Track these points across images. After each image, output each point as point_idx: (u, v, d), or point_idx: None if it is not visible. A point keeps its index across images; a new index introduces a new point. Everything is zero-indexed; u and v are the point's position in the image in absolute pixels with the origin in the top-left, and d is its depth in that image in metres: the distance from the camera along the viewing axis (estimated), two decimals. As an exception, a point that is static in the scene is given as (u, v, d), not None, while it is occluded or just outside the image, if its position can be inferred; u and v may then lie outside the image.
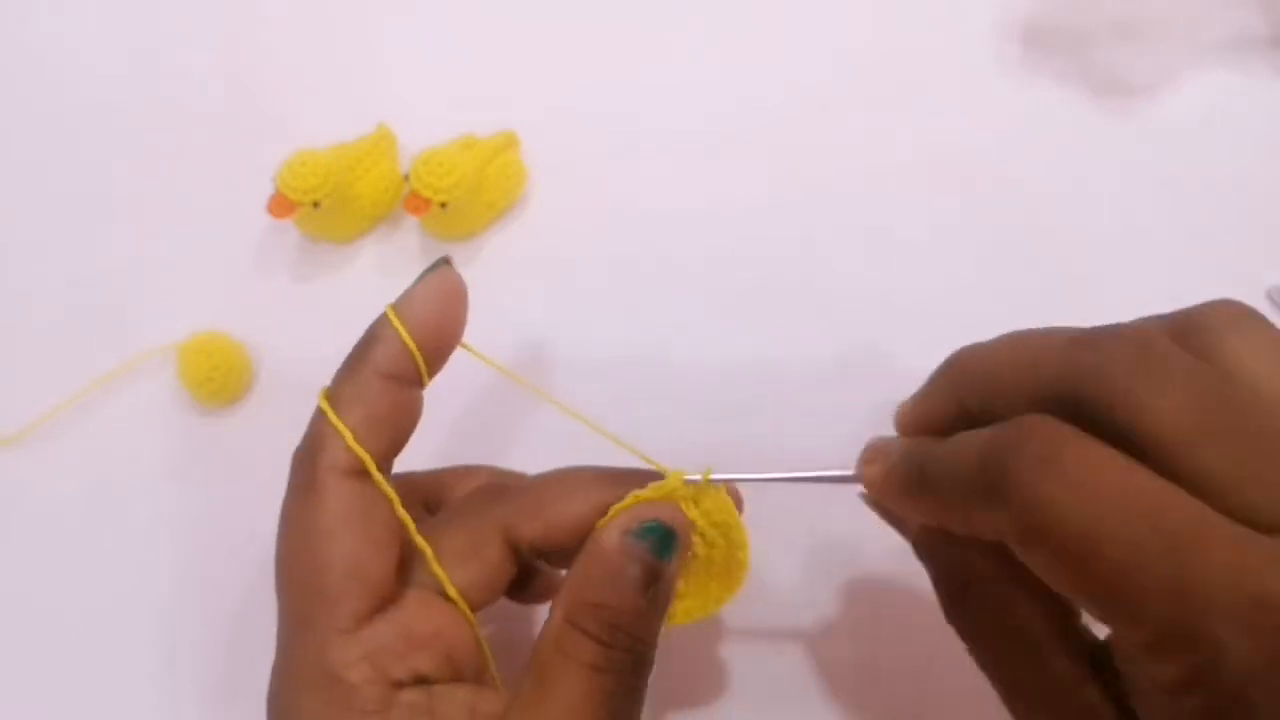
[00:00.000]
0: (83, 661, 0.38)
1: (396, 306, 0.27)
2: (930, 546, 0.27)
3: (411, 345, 0.27)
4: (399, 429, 0.27)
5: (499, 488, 0.30)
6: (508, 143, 0.45)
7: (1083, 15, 0.48)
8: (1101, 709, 0.23)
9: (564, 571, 0.27)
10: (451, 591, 0.27)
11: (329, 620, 0.25)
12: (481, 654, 0.28)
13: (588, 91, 0.48)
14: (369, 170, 0.43)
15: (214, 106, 0.49)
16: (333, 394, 0.27)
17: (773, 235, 0.43)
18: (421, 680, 0.26)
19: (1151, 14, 0.47)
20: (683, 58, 0.49)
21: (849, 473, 0.29)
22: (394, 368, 0.27)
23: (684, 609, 0.29)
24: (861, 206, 0.44)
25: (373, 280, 0.44)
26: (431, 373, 0.28)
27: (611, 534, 0.26)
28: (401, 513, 0.27)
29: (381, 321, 0.27)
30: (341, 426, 0.26)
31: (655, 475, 0.28)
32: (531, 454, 0.31)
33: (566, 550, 0.27)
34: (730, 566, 0.29)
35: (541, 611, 0.29)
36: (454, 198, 0.40)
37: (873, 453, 0.28)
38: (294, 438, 0.28)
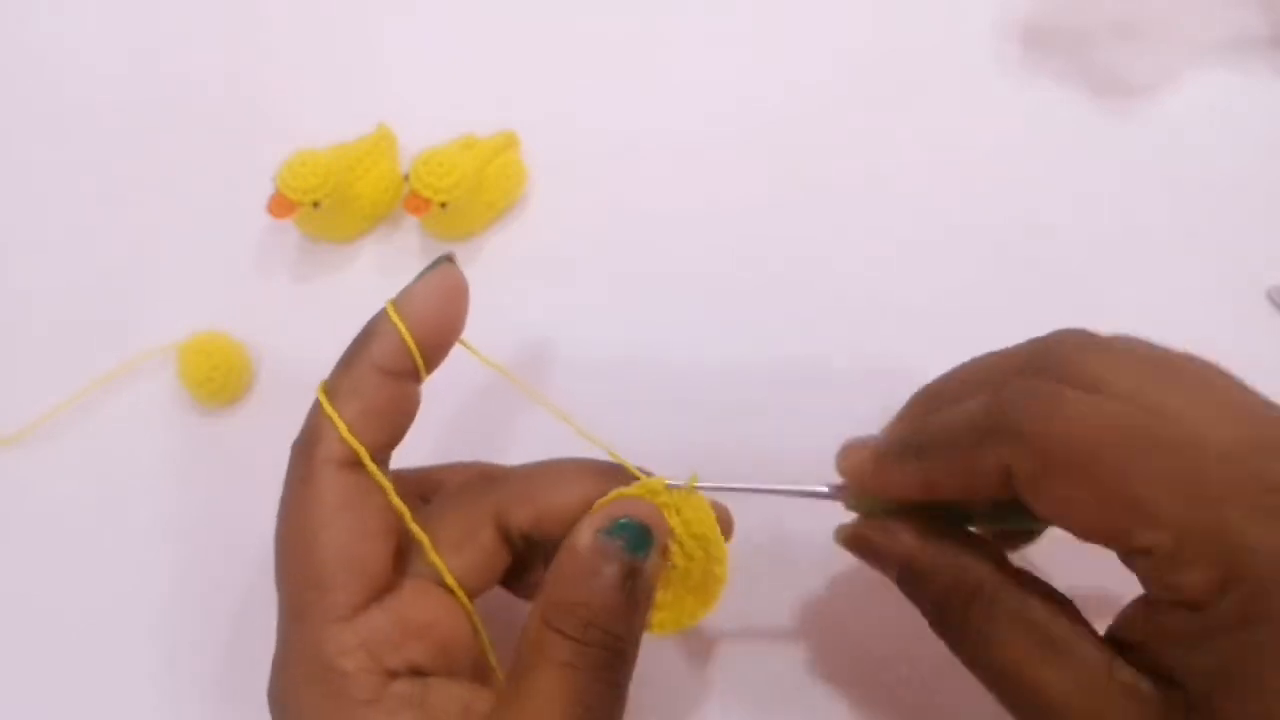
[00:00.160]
0: (83, 661, 0.38)
1: (396, 302, 0.28)
2: (923, 571, 0.27)
3: (409, 340, 0.27)
4: (395, 422, 0.28)
5: (492, 475, 0.30)
6: (508, 143, 0.45)
7: (1083, 15, 0.48)
8: (1138, 684, 0.24)
9: None
10: (449, 580, 0.27)
11: (324, 609, 0.26)
12: (479, 645, 0.28)
13: (588, 92, 0.48)
14: (369, 170, 0.43)
15: (214, 106, 0.49)
16: (330, 387, 0.27)
17: (773, 235, 0.43)
18: (416, 671, 0.26)
19: (1151, 14, 0.47)
20: (683, 58, 0.49)
21: (836, 489, 0.29)
22: (391, 362, 0.27)
23: (659, 620, 0.28)
24: (861, 206, 0.44)
25: (373, 280, 0.44)
26: (429, 368, 0.28)
27: (584, 532, 0.26)
28: (396, 502, 0.27)
29: (380, 316, 0.27)
30: (336, 418, 0.26)
31: (647, 473, 0.28)
32: (528, 453, 0.31)
33: (556, 539, 0.27)
34: (707, 581, 0.28)
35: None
36: (454, 198, 0.40)
37: (850, 447, 0.29)
38: (294, 437, 0.28)
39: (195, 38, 0.52)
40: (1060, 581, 0.27)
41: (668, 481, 0.28)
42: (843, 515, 0.30)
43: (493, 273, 0.43)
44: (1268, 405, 0.24)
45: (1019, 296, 0.41)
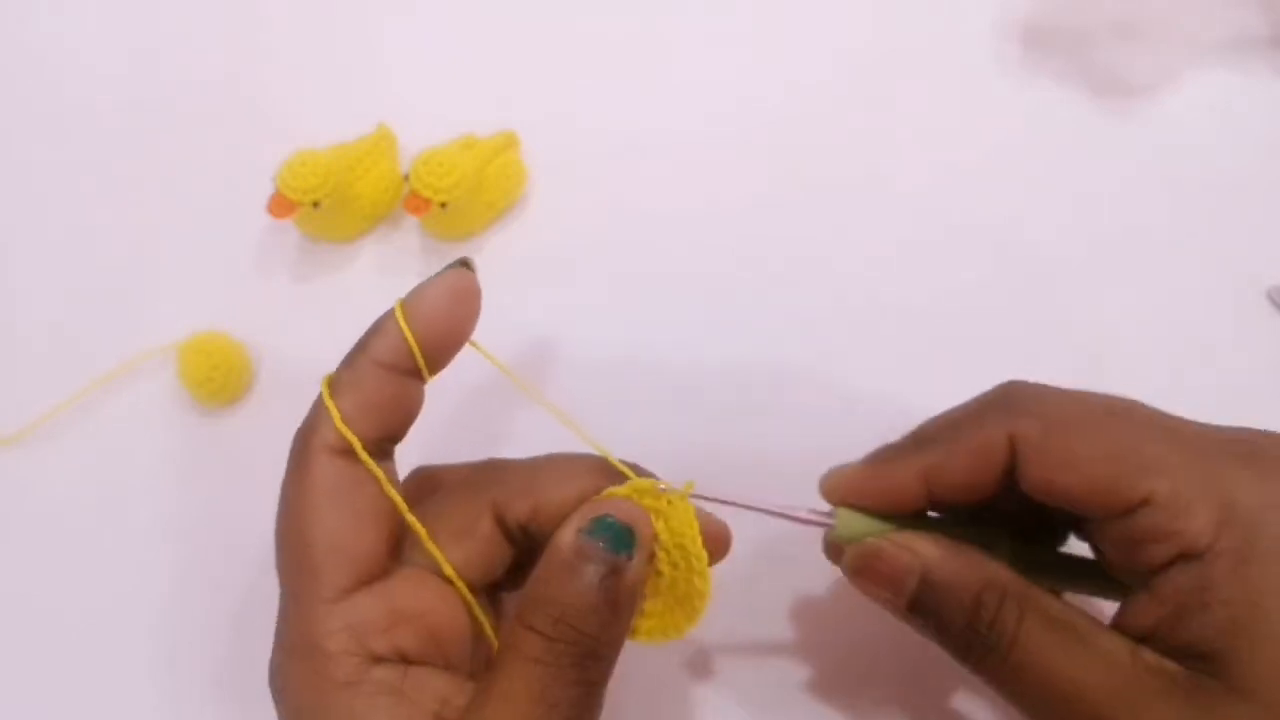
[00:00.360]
0: (83, 661, 0.38)
1: (406, 301, 0.28)
2: (945, 581, 0.27)
3: (410, 339, 0.27)
4: (393, 417, 0.28)
5: (492, 467, 0.30)
6: (508, 143, 0.45)
7: (1083, 15, 0.48)
8: (1163, 664, 0.24)
9: None
10: (446, 568, 0.28)
11: (313, 590, 0.26)
12: (476, 641, 0.28)
13: (588, 92, 0.48)
14: (369, 170, 0.43)
15: (214, 106, 0.49)
16: (333, 379, 0.28)
17: (773, 235, 0.43)
18: (403, 658, 0.26)
19: (1151, 14, 0.47)
20: (682, 58, 0.49)
21: (820, 515, 0.29)
22: (392, 359, 0.27)
23: (646, 629, 0.28)
24: (861, 206, 0.44)
25: (373, 280, 0.44)
26: (435, 368, 0.28)
27: (567, 530, 0.26)
28: (390, 491, 0.27)
29: (388, 314, 0.28)
30: (333, 408, 0.27)
31: (646, 474, 0.28)
32: (525, 452, 0.31)
33: (550, 535, 0.27)
34: (689, 594, 0.28)
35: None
36: (454, 198, 0.40)
37: (835, 468, 0.29)
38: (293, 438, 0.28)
39: (195, 38, 0.52)
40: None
41: (659, 485, 0.28)
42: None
43: (493, 273, 0.42)
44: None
45: (1019, 296, 0.41)
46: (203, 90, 0.50)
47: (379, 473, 0.27)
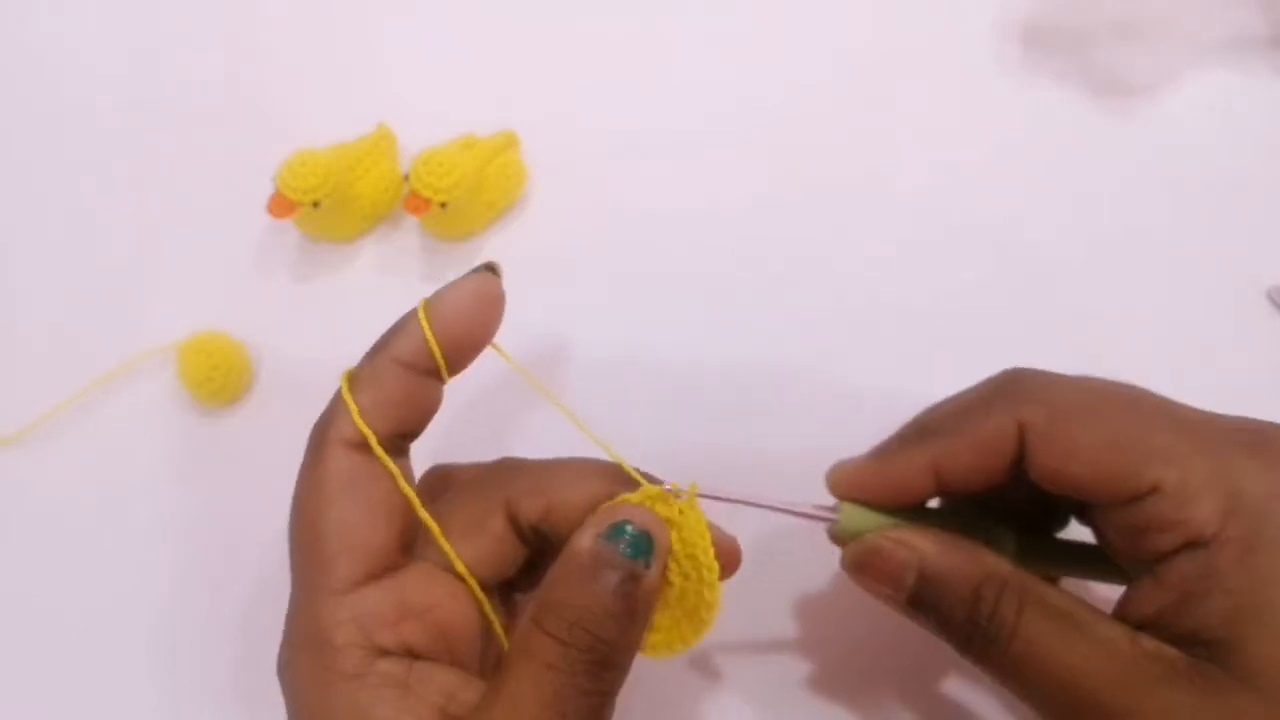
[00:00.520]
0: (83, 661, 0.38)
1: (429, 301, 0.28)
2: (943, 575, 0.27)
3: (431, 340, 0.27)
4: (410, 414, 0.28)
5: (506, 466, 0.30)
6: (508, 143, 0.45)
7: (1083, 15, 0.48)
8: (1163, 650, 0.24)
9: None
10: (457, 564, 0.28)
11: (322, 582, 0.26)
12: (485, 638, 0.28)
13: (588, 91, 0.48)
14: (369, 170, 0.43)
15: (214, 106, 0.49)
16: (353, 374, 0.28)
17: (773, 235, 0.43)
18: (409, 652, 0.27)
19: (1151, 14, 0.47)
20: (682, 58, 0.49)
21: (824, 510, 0.29)
22: (411, 358, 0.27)
23: (652, 642, 0.28)
24: (861, 206, 0.44)
25: (373, 280, 0.44)
26: (454, 370, 0.28)
27: (585, 535, 0.26)
28: (404, 486, 0.27)
29: (411, 313, 0.28)
30: (351, 402, 0.27)
31: (657, 482, 0.28)
32: (530, 453, 0.31)
33: (562, 535, 0.27)
34: (698, 606, 0.27)
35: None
36: (454, 198, 0.40)
37: (840, 462, 0.30)
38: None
39: (195, 38, 0.52)
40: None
41: (668, 488, 0.27)
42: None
43: (493, 273, 0.43)
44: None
45: (1019, 296, 0.41)
46: (203, 90, 0.50)
47: (393, 467, 0.27)
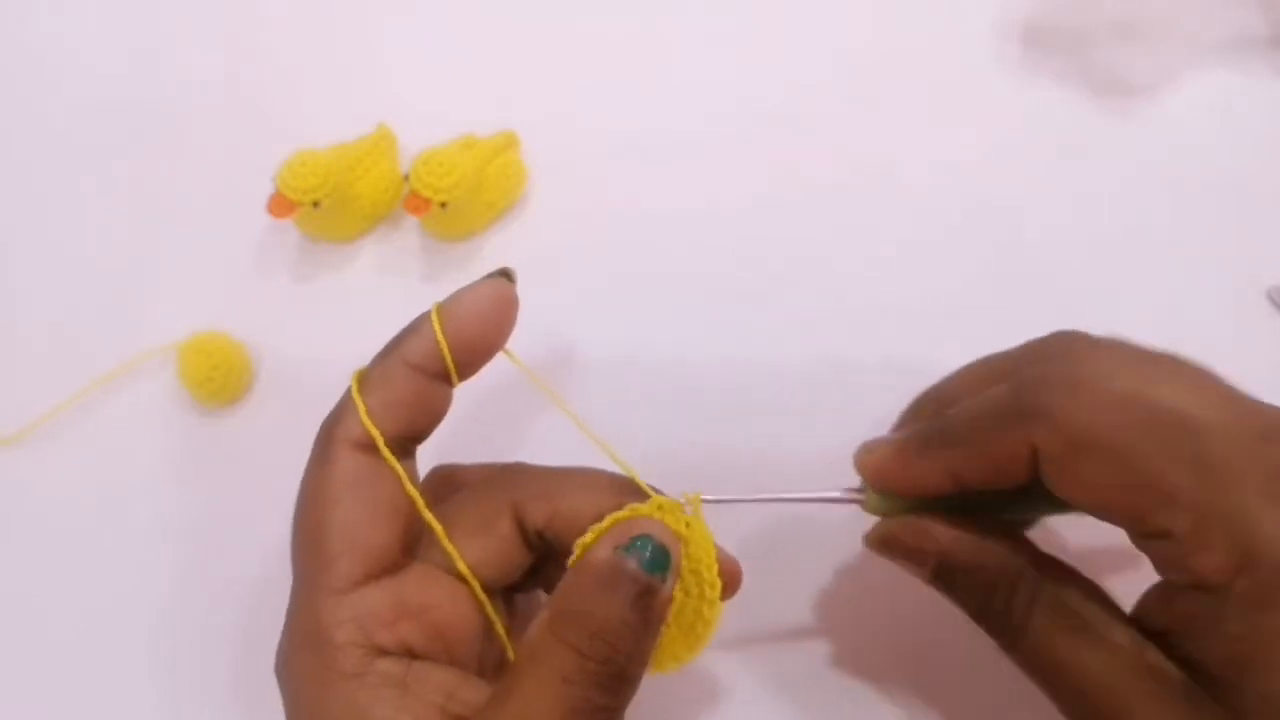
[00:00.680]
0: (83, 661, 0.38)
1: (443, 305, 0.28)
2: (961, 566, 0.27)
3: (442, 343, 0.27)
4: (419, 417, 0.28)
5: (514, 470, 0.30)
6: (508, 143, 0.45)
7: (1083, 15, 0.48)
8: (1165, 667, 0.24)
9: None
10: (460, 565, 0.28)
11: (323, 580, 0.26)
12: (485, 639, 0.28)
13: (588, 91, 0.48)
14: (369, 170, 0.43)
15: (214, 106, 0.49)
16: (363, 374, 0.28)
17: (773, 235, 0.43)
18: (408, 652, 0.27)
19: (1151, 14, 0.47)
20: (682, 58, 0.49)
21: (851, 492, 0.29)
22: (421, 360, 0.28)
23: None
24: (861, 206, 0.44)
25: (373, 280, 0.44)
26: (464, 374, 0.28)
27: (601, 546, 0.26)
28: (409, 487, 0.27)
29: (424, 316, 0.28)
30: (359, 401, 0.27)
31: (662, 495, 0.28)
32: (535, 457, 0.31)
33: (567, 542, 0.27)
34: (695, 623, 0.27)
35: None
36: (454, 198, 0.40)
37: (868, 446, 0.29)
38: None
39: (195, 38, 0.52)
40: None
41: (679, 499, 0.27)
42: (855, 516, 0.30)
43: (493, 273, 0.43)
44: (1251, 397, 0.26)
45: (1019, 296, 0.41)
46: (203, 90, 0.50)
47: (399, 468, 0.27)
